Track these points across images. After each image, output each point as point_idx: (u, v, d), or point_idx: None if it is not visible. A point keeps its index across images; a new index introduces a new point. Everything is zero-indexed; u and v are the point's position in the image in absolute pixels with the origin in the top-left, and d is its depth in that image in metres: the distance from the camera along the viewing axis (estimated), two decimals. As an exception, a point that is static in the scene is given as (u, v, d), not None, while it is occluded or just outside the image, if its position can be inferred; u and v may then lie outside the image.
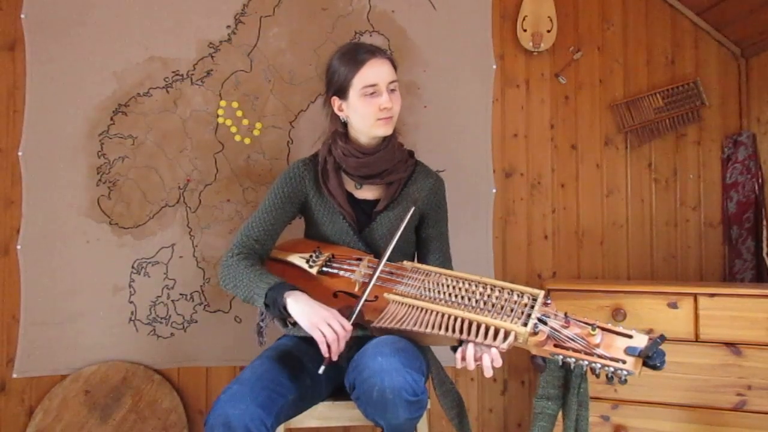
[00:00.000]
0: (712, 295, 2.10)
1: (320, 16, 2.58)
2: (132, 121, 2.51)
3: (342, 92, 1.86)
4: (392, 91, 1.86)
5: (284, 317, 1.69)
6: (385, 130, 1.87)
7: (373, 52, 1.84)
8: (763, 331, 2.05)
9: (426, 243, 2.03)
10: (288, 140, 2.56)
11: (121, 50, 2.50)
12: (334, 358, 1.58)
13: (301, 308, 1.64)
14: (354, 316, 1.65)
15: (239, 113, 2.54)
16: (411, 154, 2.03)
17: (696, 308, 2.12)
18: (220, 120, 2.54)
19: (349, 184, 1.96)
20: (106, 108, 2.49)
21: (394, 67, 1.89)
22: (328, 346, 1.58)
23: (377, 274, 1.72)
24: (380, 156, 1.89)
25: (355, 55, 1.83)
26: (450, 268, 2.02)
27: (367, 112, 1.83)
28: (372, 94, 1.82)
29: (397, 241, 1.87)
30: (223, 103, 2.54)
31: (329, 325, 1.59)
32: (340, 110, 1.89)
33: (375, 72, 1.82)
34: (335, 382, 1.86)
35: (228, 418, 1.48)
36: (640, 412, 2.17)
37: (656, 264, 2.62)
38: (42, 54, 2.46)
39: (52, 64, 2.47)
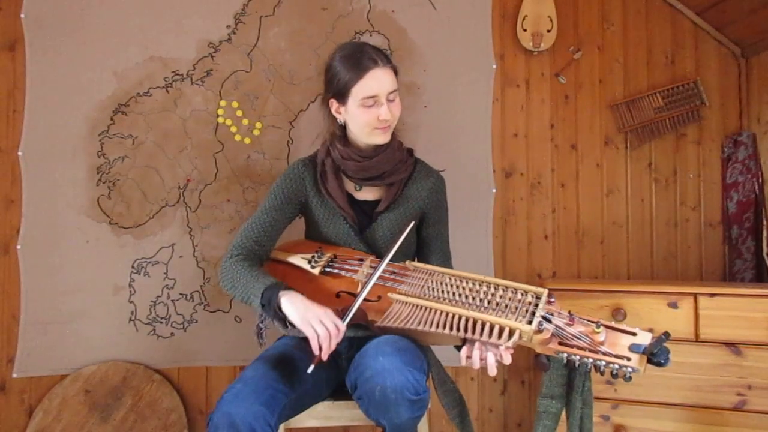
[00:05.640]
0: (712, 295, 2.11)
1: (320, 16, 2.58)
2: (132, 121, 2.50)
3: (341, 97, 1.82)
4: (391, 101, 1.82)
5: (280, 317, 1.67)
6: (382, 139, 1.85)
7: (376, 60, 1.78)
8: (763, 331, 2.05)
9: (427, 242, 2.01)
10: (288, 140, 2.56)
11: (121, 50, 2.50)
12: (324, 357, 1.56)
13: (295, 306, 1.62)
14: (349, 316, 1.63)
15: (239, 113, 2.54)
16: (410, 152, 2.01)
17: (696, 308, 2.12)
18: (220, 120, 2.54)
19: (349, 186, 1.95)
20: (106, 108, 2.49)
21: (396, 73, 1.85)
22: (320, 346, 1.56)
23: (377, 273, 1.72)
24: (380, 159, 1.87)
25: (359, 61, 1.78)
26: (450, 267, 2.01)
27: (364, 121, 1.80)
28: (371, 105, 1.78)
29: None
30: (223, 102, 2.54)
31: (322, 323, 1.57)
32: (338, 113, 1.87)
33: (376, 83, 1.77)
34: (335, 382, 1.86)
35: (232, 417, 1.48)
36: (640, 411, 2.17)
37: (656, 264, 2.62)
38: (42, 54, 2.46)
39: (52, 64, 2.47)
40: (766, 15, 2.35)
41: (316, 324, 1.57)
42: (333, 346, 1.57)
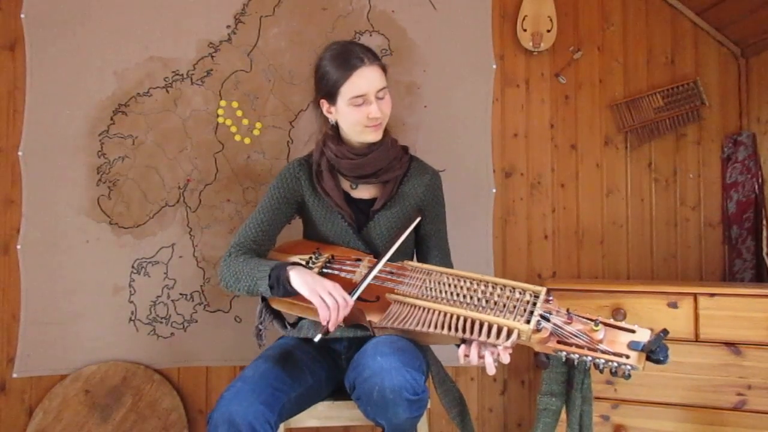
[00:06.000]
0: (712, 294, 2.11)
1: (320, 16, 2.58)
2: (132, 121, 2.51)
3: (330, 97, 1.83)
4: (381, 98, 1.82)
5: (289, 293, 1.68)
6: (374, 137, 1.85)
7: (363, 59, 1.79)
8: (763, 331, 2.05)
9: (425, 240, 2.02)
10: (288, 140, 2.56)
11: (121, 50, 2.50)
12: (331, 328, 1.57)
13: (304, 278, 1.64)
14: (358, 292, 1.64)
15: (239, 113, 2.54)
16: (405, 149, 2.01)
17: (696, 308, 2.12)
18: (220, 120, 2.54)
19: (345, 184, 1.95)
20: (106, 108, 2.49)
21: (385, 71, 1.85)
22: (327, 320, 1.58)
23: (380, 265, 1.73)
24: (374, 156, 1.88)
25: (346, 60, 1.79)
26: (449, 264, 2.02)
27: (355, 120, 1.81)
28: (361, 104, 1.79)
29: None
30: (223, 102, 2.54)
31: (331, 294, 1.59)
32: (329, 112, 1.88)
33: (364, 82, 1.78)
34: (335, 381, 1.86)
35: (232, 415, 1.48)
36: (640, 411, 2.17)
37: (656, 264, 2.62)
38: (42, 54, 2.46)
39: (52, 64, 2.47)
40: (766, 15, 2.35)
41: (325, 295, 1.59)
42: (340, 319, 1.59)
